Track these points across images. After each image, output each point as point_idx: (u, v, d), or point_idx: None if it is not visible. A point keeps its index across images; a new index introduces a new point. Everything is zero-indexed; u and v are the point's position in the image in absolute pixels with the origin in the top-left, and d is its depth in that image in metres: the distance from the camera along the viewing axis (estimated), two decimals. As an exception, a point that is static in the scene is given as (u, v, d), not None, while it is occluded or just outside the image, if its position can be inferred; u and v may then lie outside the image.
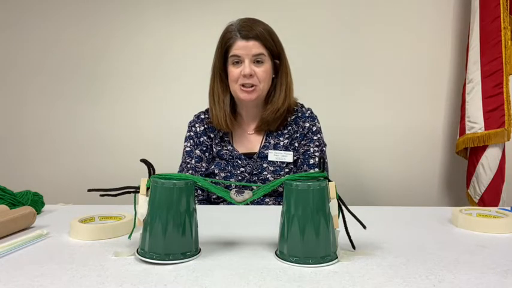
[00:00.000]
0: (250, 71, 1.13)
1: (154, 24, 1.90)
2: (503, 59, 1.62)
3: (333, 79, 1.88)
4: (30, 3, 1.92)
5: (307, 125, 1.23)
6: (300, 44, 1.81)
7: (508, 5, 1.64)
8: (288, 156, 1.18)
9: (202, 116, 1.28)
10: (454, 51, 1.85)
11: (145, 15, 1.90)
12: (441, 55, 1.86)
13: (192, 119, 1.30)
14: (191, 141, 1.25)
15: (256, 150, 1.21)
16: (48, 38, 1.93)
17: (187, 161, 1.22)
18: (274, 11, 1.82)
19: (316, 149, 1.20)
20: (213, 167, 1.19)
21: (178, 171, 1.21)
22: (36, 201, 0.90)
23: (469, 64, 1.70)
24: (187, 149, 1.24)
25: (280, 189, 1.08)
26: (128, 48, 1.92)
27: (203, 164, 1.21)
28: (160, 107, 1.93)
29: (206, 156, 1.23)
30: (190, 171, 1.19)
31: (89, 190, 0.62)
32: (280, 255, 0.59)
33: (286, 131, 1.23)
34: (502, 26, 1.62)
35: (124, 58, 1.92)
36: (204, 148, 1.23)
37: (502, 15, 1.62)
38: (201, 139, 1.24)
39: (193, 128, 1.26)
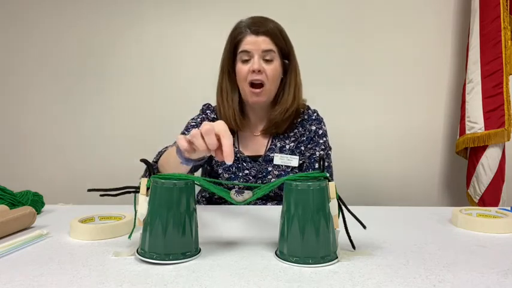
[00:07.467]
0: (259, 66, 1.09)
1: (156, 26, 1.90)
2: (503, 59, 1.62)
3: (332, 79, 1.88)
4: (30, 3, 1.92)
5: (313, 128, 1.20)
6: (299, 45, 1.81)
7: (508, 5, 1.64)
8: (293, 161, 1.15)
9: (212, 109, 1.25)
10: (454, 51, 1.86)
11: (145, 17, 1.90)
12: (441, 55, 1.86)
13: (204, 104, 1.25)
14: (198, 119, 1.20)
15: (262, 153, 1.18)
16: (48, 39, 1.93)
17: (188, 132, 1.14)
18: (273, 11, 1.82)
19: (322, 152, 1.17)
20: (216, 167, 1.18)
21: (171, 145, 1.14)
22: (36, 201, 0.90)
23: (469, 64, 1.70)
24: (193, 123, 1.18)
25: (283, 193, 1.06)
26: (128, 50, 1.92)
27: None
28: (161, 108, 1.93)
29: None
30: None
31: (89, 190, 0.62)
32: (280, 255, 0.59)
33: (292, 134, 1.20)
34: (502, 26, 1.62)
35: (124, 59, 1.92)
36: None
37: (502, 15, 1.62)
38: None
39: (205, 111, 1.23)
